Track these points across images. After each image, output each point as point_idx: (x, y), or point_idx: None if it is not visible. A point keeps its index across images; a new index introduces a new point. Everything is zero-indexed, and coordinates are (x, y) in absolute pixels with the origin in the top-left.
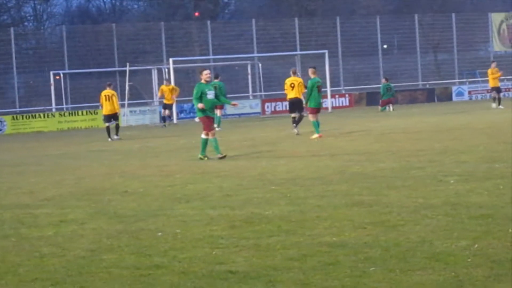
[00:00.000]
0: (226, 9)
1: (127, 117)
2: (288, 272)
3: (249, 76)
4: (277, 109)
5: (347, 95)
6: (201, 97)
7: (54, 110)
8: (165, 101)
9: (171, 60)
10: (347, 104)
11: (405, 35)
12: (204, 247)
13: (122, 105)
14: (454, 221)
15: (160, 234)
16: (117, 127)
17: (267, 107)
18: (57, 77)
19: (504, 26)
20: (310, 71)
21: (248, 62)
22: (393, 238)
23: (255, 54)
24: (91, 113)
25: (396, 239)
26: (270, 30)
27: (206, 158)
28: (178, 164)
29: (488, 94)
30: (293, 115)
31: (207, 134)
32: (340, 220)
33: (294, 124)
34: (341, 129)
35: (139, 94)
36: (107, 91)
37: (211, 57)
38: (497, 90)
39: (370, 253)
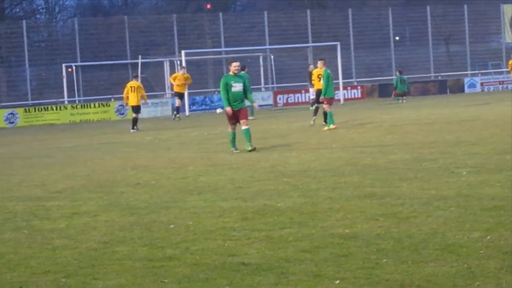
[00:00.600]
0: (238, 1)
1: None
2: (301, 264)
3: (261, 68)
4: (289, 101)
5: (359, 87)
6: (227, 90)
7: (66, 102)
8: (178, 90)
9: (183, 52)
10: (359, 96)
11: (417, 27)
12: (216, 239)
13: None
14: (466, 212)
15: (172, 226)
16: (135, 120)
17: (279, 99)
18: (69, 70)
19: None
20: (321, 63)
21: (260, 54)
22: (405, 229)
23: (267, 46)
24: (103, 105)
25: (408, 230)
26: (282, 22)
27: (253, 149)
28: (190, 156)
29: (500, 86)
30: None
31: (234, 128)
32: (352, 212)
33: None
34: (353, 121)
35: (151, 86)
36: (133, 83)
37: (223, 49)
38: None
39: (382, 245)
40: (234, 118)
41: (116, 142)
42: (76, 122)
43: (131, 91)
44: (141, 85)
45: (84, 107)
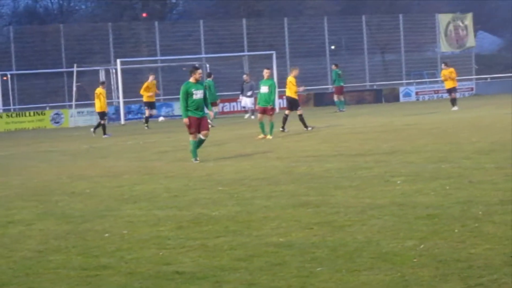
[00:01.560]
0: (174, 9)
1: (74, 118)
2: (235, 272)
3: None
4: (225, 109)
5: None
6: (187, 97)
7: (1, 111)
8: (148, 99)
9: (118, 61)
10: None
11: (353, 36)
12: (151, 247)
13: (70, 106)
14: (400, 221)
15: (107, 234)
16: (98, 125)
17: (214, 108)
18: (5, 78)
19: (451, 27)
20: (268, 72)
21: (195, 63)
22: (340, 238)
23: (203, 55)
24: (39, 114)
25: (343, 239)
26: (218, 30)
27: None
28: (126, 165)
29: (435, 95)
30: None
31: (195, 137)
32: (287, 220)
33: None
34: (289, 129)
35: (86, 95)
36: (97, 89)
37: (158, 58)
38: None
39: (317, 253)
40: (196, 127)
41: (52, 150)
42: (11, 131)
43: (96, 98)
44: (102, 92)
45: (19, 116)
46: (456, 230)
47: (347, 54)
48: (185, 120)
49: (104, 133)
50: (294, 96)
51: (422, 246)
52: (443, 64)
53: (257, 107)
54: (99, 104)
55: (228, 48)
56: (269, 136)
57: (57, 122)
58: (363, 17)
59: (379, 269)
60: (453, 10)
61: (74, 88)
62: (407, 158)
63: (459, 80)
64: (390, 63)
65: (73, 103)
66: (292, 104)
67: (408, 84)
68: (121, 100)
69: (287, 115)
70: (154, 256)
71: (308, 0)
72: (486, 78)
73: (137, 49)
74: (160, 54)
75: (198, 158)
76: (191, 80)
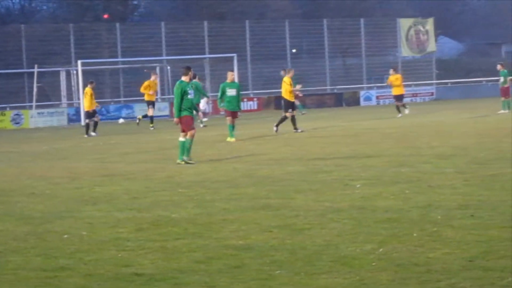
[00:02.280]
0: (136, 11)
1: (35, 119)
2: (194, 274)
3: (158, 79)
4: None
5: (255, 99)
6: (182, 97)
7: None
8: (150, 98)
9: (79, 62)
10: (256, 107)
11: (314, 39)
12: (110, 249)
13: (30, 107)
14: (360, 225)
15: (66, 236)
16: (89, 125)
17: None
18: None
19: (412, 31)
20: (232, 75)
21: (157, 65)
22: (299, 241)
23: (164, 57)
24: None
25: (302, 242)
26: (180, 32)
27: (187, 162)
28: (86, 166)
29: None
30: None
31: (185, 136)
32: (247, 223)
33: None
34: (250, 132)
35: (47, 96)
36: (86, 89)
37: (120, 59)
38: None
39: (276, 256)
40: (189, 126)
41: (12, 151)
42: None
43: (84, 97)
44: (88, 92)
45: None
46: (415, 234)
47: (308, 58)
48: (176, 120)
49: (87, 133)
50: (288, 97)
51: (381, 250)
52: (391, 70)
53: (224, 109)
54: (86, 103)
55: (189, 51)
56: (232, 139)
57: (18, 123)
58: (325, 21)
59: (337, 273)
60: (415, 15)
61: (35, 89)
62: (367, 162)
63: (419, 85)
64: (351, 67)
65: (34, 104)
66: (285, 104)
67: (369, 88)
68: (81, 101)
69: (292, 116)
70: (113, 257)
71: (270, 3)
72: (446, 83)
73: (98, 50)
74: (122, 56)
75: (192, 158)
76: (185, 79)
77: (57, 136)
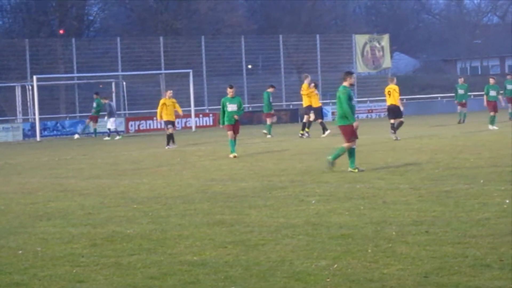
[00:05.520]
0: (91, 26)
1: None
2: None
3: (113, 95)
4: (141, 127)
5: (211, 115)
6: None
7: None
8: (168, 118)
9: (35, 77)
10: (211, 123)
11: (270, 55)
12: (64, 265)
13: None
14: (314, 241)
15: (20, 251)
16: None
17: (131, 125)
18: None
19: (367, 48)
20: (233, 91)
21: (112, 80)
22: (253, 257)
23: (120, 73)
24: None
25: (256, 258)
26: (135, 48)
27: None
28: (40, 181)
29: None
30: (392, 121)
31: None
32: (201, 239)
33: (393, 131)
34: (205, 148)
35: (3, 111)
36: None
37: (75, 74)
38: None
39: (230, 272)
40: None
41: None
42: None
43: None
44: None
45: None
46: (369, 250)
47: (263, 74)
48: (355, 124)
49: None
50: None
51: (335, 266)
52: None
53: (224, 125)
54: None
55: (145, 66)
56: (233, 154)
57: None
58: (280, 37)
59: None
60: (370, 31)
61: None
62: (322, 178)
63: (374, 101)
64: None
65: None
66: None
67: (324, 104)
68: (37, 116)
69: (309, 121)
70: (67, 273)
71: (226, 19)
72: (402, 99)
73: (54, 65)
74: (77, 71)
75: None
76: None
77: (12, 151)
